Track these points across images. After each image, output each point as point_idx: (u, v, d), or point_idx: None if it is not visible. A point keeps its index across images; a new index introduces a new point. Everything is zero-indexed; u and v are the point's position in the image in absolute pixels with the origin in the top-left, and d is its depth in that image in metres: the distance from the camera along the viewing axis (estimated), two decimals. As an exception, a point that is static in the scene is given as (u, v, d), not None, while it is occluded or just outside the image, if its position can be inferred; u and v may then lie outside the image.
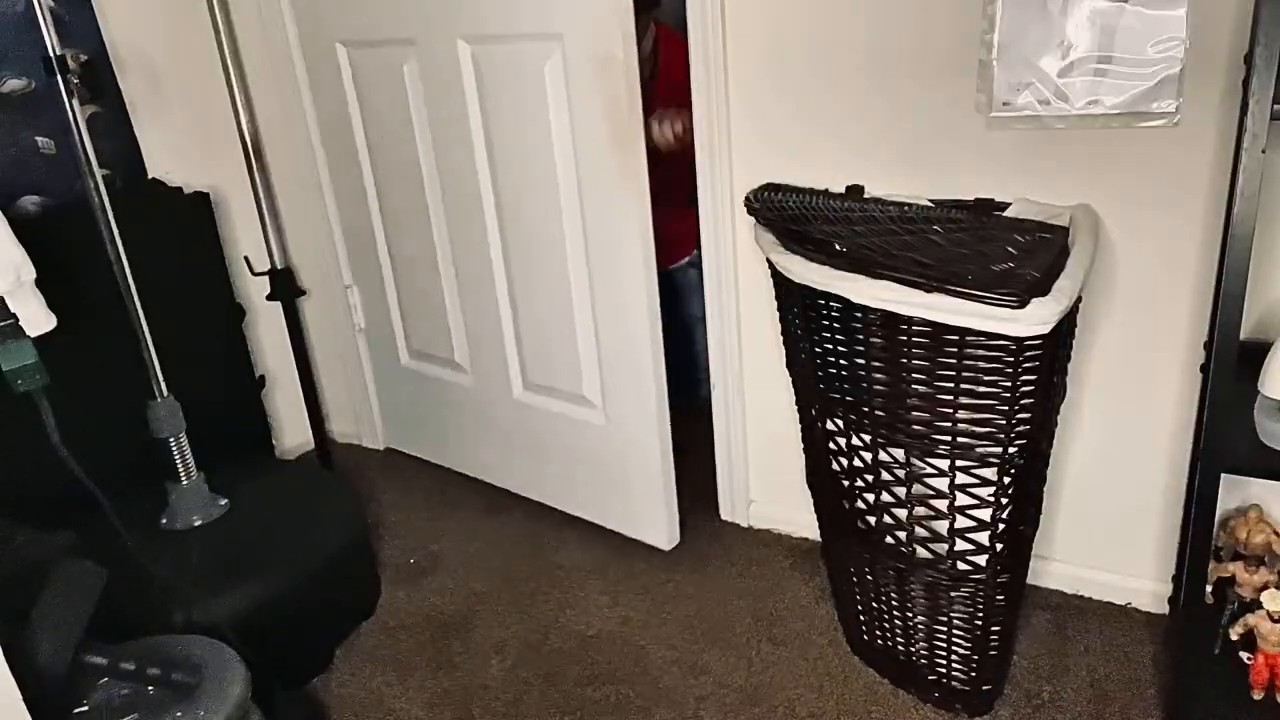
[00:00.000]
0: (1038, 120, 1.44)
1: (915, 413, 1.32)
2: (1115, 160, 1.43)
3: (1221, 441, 1.18)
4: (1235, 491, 1.51)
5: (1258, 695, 1.35)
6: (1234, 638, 1.39)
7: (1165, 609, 1.66)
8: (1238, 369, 1.15)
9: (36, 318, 1.34)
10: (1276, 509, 1.51)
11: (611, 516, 2.03)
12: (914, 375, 1.29)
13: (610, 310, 1.82)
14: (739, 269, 1.81)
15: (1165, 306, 1.49)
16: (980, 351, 1.23)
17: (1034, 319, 1.15)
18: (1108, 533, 1.67)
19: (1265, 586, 1.39)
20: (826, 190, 1.62)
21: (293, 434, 2.39)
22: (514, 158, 1.82)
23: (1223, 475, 1.18)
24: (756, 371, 1.89)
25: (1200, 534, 1.22)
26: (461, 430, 2.25)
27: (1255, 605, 1.36)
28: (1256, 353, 1.25)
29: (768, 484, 1.99)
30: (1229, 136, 1.33)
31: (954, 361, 1.25)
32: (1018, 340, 1.19)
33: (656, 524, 1.95)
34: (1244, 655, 1.39)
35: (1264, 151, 1.03)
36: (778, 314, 1.58)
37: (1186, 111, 1.35)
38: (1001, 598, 1.41)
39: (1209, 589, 1.48)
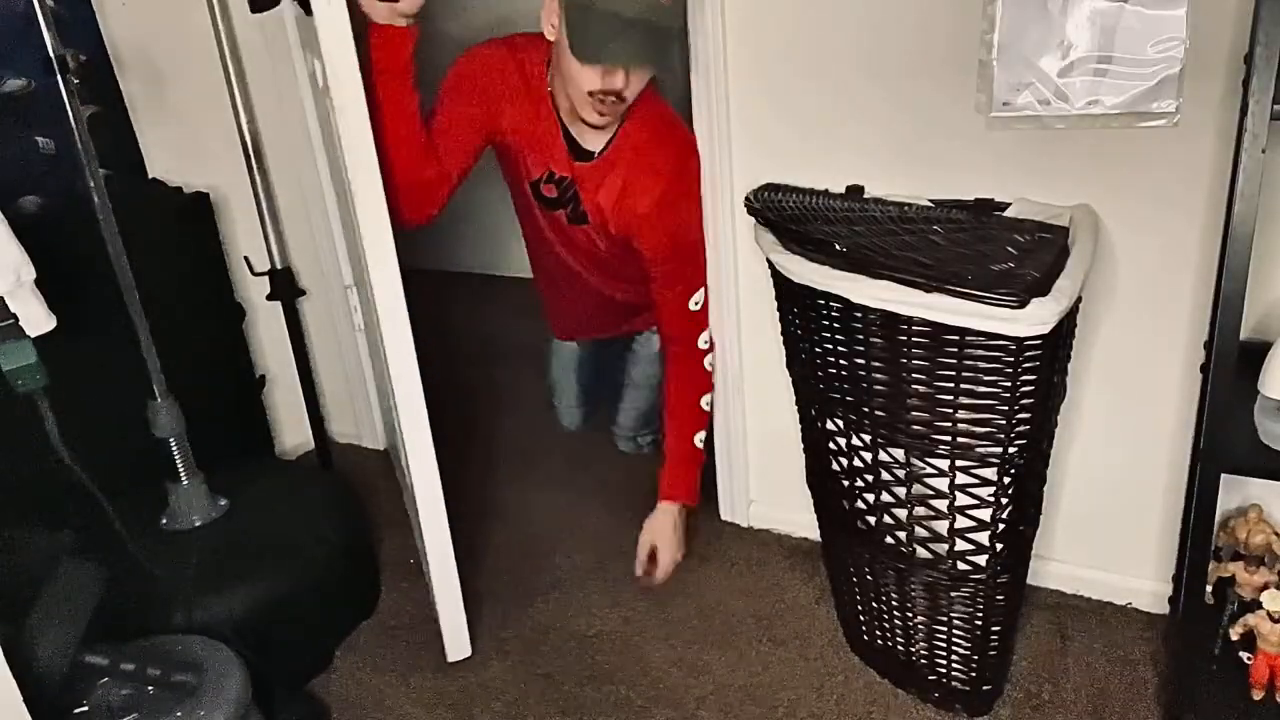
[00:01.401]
0: (1038, 120, 1.44)
1: (915, 413, 1.32)
2: (1115, 160, 1.43)
3: (1221, 441, 1.18)
4: (1235, 491, 1.51)
5: (1258, 695, 1.35)
6: (1234, 638, 1.39)
7: (1165, 609, 1.65)
8: (1238, 369, 1.15)
9: (36, 318, 1.34)
10: (1276, 509, 1.51)
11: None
12: (914, 375, 1.29)
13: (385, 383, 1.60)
14: (739, 269, 1.81)
15: (1165, 306, 1.49)
16: (980, 351, 1.23)
17: (1034, 319, 1.15)
18: (1108, 533, 1.67)
19: (1265, 586, 1.39)
20: (826, 190, 1.62)
21: (293, 434, 2.39)
22: (341, 186, 1.67)
23: (1223, 475, 1.18)
24: (756, 371, 1.89)
25: (1200, 534, 1.22)
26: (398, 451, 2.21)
27: (1255, 605, 1.36)
28: (1256, 353, 1.25)
29: (768, 484, 1.99)
30: (1229, 136, 1.33)
31: (954, 361, 1.25)
32: (1018, 340, 1.19)
33: (442, 628, 1.70)
34: (1244, 655, 1.39)
35: (1264, 151, 1.03)
36: (778, 314, 1.58)
37: (1186, 111, 1.35)
38: (1001, 598, 1.41)
39: (1209, 589, 1.47)
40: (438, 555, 1.62)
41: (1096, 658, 1.59)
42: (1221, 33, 1.30)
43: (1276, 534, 1.45)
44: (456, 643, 1.71)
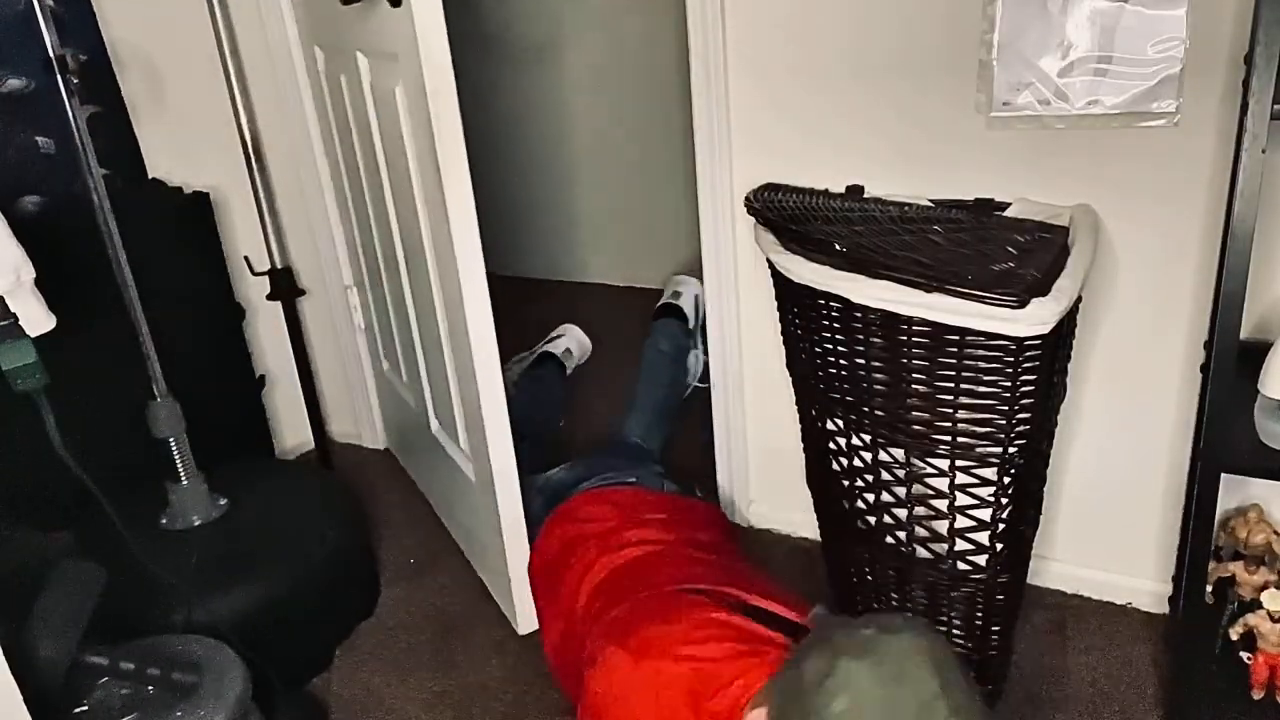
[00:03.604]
0: (1038, 120, 1.44)
1: (915, 413, 1.32)
2: (1115, 160, 1.43)
3: (1221, 441, 1.18)
4: (1235, 491, 1.51)
5: (1258, 695, 1.35)
6: (1234, 638, 1.39)
7: (1165, 609, 1.65)
8: (1238, 369, 1.15)
9: (36, 317, 1.33)
10: (1276, 509, 1.51)
11: (490, 583, 1.85)
12: (914, 375, 1.29)
13: (461, 367, 1.65)
14: (739, 269, 1.81)
15: (1165, 306, 1.49)
16: (980, 351, 1.23)
17: (1034, 319, 1.15)
18: (1108, 533, 1.67)
19: (1265, 586, 1.39)
20: (826, 190, 1.62)
21: (293, 434, 2.39)
22: (397, 181, 1.71)
23: (1223, 475, 1.18)
24: (756, 371, 1.89)
25: (1200, 534, 1.22)
26: (412, 447, 2.22)
27: (1255, 605, 1.36)
28: (1256, 353, 1.25)
29: (768, 484, 1.99)
30: (1229, 136, 1.33)
31: (954, 361, 1.25)
32: (1018, 340, 1.19)
33: (510, 610, 1.75)
34: (1244, 655, 1.39)
35: (1264, 151, 1.03)
36: (778, 314, 1.58)
37: (1186, 111, 1.35)
38: (1001, 597, 1.41)
39: (1209, 589, 1.48)
40: (511, 529, 1.67)
41: (1096, 658, 1.59)
42: (1221, 33, 1.30)
43: (1276, 534, 1.46)
44: (522, 618, 1.74)
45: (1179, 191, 1.41)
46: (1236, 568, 1.44)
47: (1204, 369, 1.44)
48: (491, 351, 1.56)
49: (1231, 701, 1.35)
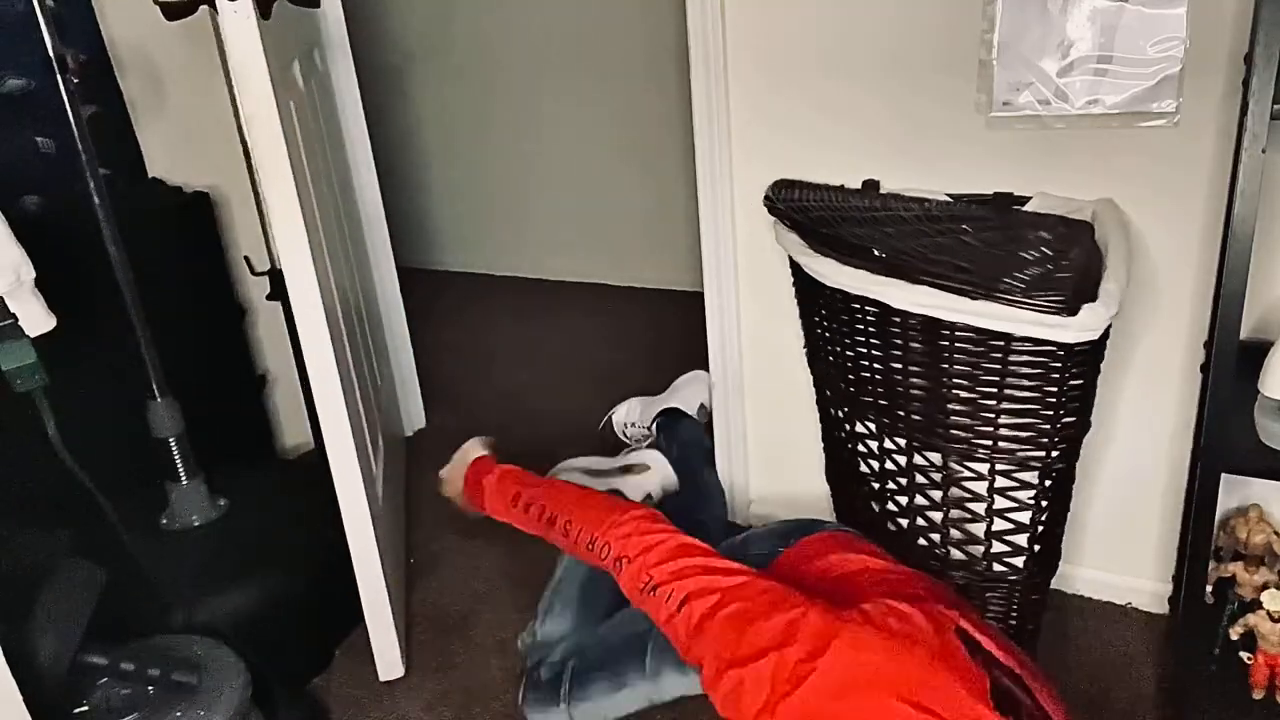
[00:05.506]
0: (1038, 120, 1.44)
1: (955, 418, 1.29)
2: (1115, 160, 1.43)
3: (1221, 441, 1.18)
4: (1235, 491, 1.51)
5: (1258, 695, 1.35)
6: (1234, 638, 1.39)
7: (1165, 609, 1.65)
8: (1238, 369, 1.15)
9: (36, 318, 1.33)
10: (1276, 509, 1.51)
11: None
12: (955, 380, 1.26)
13: None
14: (739, 268, 1.81)
15: (1166, 306, 1.48)
16: (1026, 357, 1.20)
17: (1084, 325, 1.13)
18: (1108, 533, 1.67)
19: (1265, 586, 1.39)
20: (842, 186, 1.60)
21: (293, 434, 2.39)
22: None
23: (1223, 475, 1.18)
24: (757, 371, 1.88)
25: (1200, 534, 1.22)
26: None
27: (1255, 605, 1.36)
28: (1256, 353, 1.25)
29: (768, 485, 1.99)
30: (1229, 136, 1.33)
31: (998, 367, 1.22)
32: (1067, 346, 1.17)
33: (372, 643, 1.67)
34: (1244, 655, 1.39)
35: (1264, 151, 1.03)
36: (799, 315, 1.56)
37: (1186, 111, 1.35)
38: (1036, 597, 1.39)
39: (1209, 589, 1.47)
40: (366, 569, 1.59)
41: (1096, 658, 1.59)
42: (1221, 33, 1.30)
43: (1276, 534, 1.45)
44: (385, 660, 1.66)
45: (1179, 191, 1.41)
46: (1236, 568, 1.44)
47: (1204, 369, 1.44)
48: (329, 370, 1.55)
49: (1231, 701, 1.35)
